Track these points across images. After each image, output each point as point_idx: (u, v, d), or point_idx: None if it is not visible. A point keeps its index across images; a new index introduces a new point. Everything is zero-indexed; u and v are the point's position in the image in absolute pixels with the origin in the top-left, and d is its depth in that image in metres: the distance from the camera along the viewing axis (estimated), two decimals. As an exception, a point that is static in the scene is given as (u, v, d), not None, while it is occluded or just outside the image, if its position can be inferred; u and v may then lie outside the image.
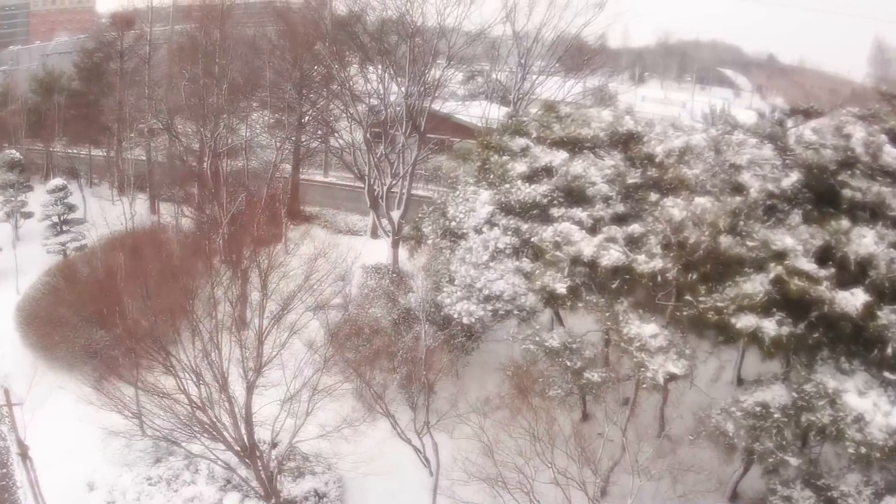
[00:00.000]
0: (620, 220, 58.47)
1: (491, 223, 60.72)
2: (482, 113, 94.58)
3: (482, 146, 66.91)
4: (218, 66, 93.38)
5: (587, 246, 52.89)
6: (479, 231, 60.56)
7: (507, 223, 60.24)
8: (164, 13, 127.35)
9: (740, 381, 63.19)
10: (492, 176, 63.79)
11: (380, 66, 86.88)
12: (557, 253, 53.85)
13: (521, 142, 64.88)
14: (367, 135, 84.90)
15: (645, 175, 60.47)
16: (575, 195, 59.60)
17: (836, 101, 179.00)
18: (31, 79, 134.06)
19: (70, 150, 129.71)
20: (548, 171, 61.11)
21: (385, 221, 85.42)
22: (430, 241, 66.52)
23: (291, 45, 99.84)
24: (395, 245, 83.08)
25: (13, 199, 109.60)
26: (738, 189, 57.02)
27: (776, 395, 49.54)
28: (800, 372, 50.34)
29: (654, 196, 57.13)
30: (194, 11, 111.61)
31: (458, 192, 64.72)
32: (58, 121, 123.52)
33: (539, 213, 59.98)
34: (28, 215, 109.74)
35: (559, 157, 61.11)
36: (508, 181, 61.35)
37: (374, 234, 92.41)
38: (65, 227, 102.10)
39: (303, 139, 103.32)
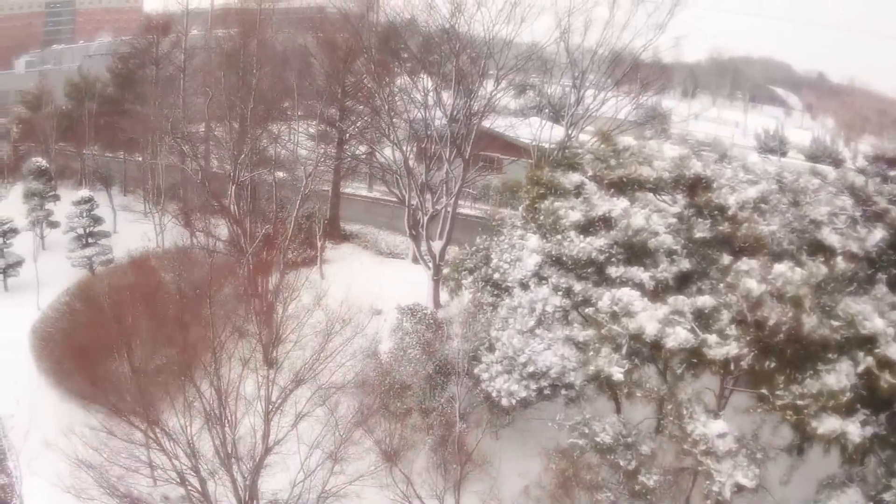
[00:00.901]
0: (685, 279, 51.28)
1: (539, 276, 52.85)
2: (533, 133, 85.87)
3: (531, 182, 58.45)
4: (254, 77, 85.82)
5: (650, 322, 44.62)
6: (525, 286, 52.72)
7: (558, 281, 52.06)
8: (201, 17, 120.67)
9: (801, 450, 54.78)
10: (542, 217, 55.31)
11: (425, 78, 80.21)
12: (615, 327, 45.55)
13: (574, 178, 56.54)
14: (408, 160, 76.87)
15: (715, 229, 52.19)
16: (636, 250, 51.24)
17: (886, 121, 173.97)
18: (66, 82, 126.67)
19: (104, 155, 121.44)
20: (605, 222, 52.41)
21: (423, 246, 77.04)
22: (469, 294, 58.78)
23: (331, 61, 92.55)
24: (435, 283, 75.10)
25: (39, 207, 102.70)
26: (818, 247, 50.48)
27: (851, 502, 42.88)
28: (877, 473, 44.23)
29: (726, 258, 49.16)
30: (230, 17, 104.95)
31: (503, 238, 56.90)
32: (89, 128, 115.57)
33: (595, 270, 51.72)
34: (54, 225, 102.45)
35: (619, 205, 52.36)
36: (560, 230, 52.73)
37: (416, 259, 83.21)
38: (90, 240, 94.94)
39: (344, 155, 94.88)
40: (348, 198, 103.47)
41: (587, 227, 52.61)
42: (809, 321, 42.83)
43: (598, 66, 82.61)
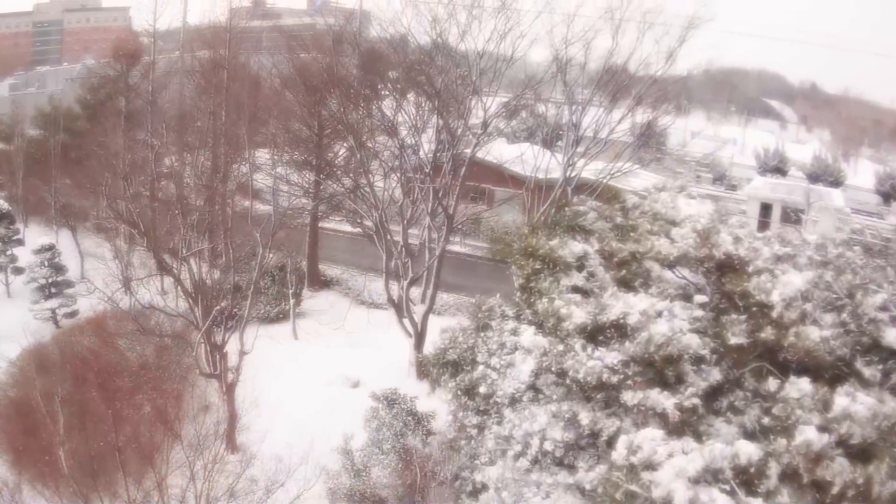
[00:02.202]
0: (715, 392, 38.01)
1: (535, 390, 39.99)
2: (526, 166, 74.84)
3: (525, 255, 45.75)
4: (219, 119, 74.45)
5: (678, 482, 31.52)
6: (517, 401, 40.06)
7: (559, 407, 38.70)
8: (175, 40, 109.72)
9: None
10: (537, 302, 42.49)
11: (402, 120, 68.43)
12: (633, 487, 32.59)
13: (576, 249, 44.03)
14: (383, 219, 65.14)
15: (753, 333, 39.01)
16: (657, 366, 37.94)
17: (883, 132, 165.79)
18: (37, 111, 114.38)
19: (78, 189, 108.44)
20: (619, 329, 38.78)
21: (404, 304, 65.96)
22: (450, 407, 46.51)
23: (304, 93, 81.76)
24: (418, 353, 64.01)
25: (1, 253, 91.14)
26: (875, 348, 38.14)
27: None
28: None
29: (773, 382, 36.44)
30: (201, 40, 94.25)
31: (491, 334, 44.42)
32: (55, 162, 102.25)
33: (606, 394, 38.53)
34: (20, 271, 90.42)
35: (636, 306, 38.54)
36: (562, 335, 39.56)
37: (402, 314, 69.93)
38: (53, 290, 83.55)
39: (322, 196, 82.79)
40: (330, 234, 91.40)
41: (595, 334, 39.30)
42: (881, 479, 31.37)
43: (601, 102, 72.26)
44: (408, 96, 70.66)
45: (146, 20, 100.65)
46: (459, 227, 77.56)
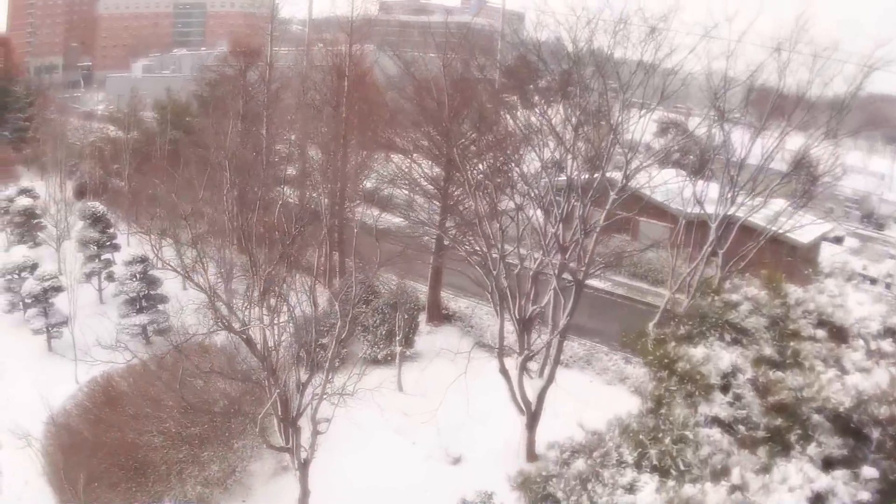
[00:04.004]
0: None
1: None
2: (673, 194, 64.87)
3: (657, 361, 33.95)
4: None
5: None
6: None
7: None
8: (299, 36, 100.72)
9: None
10: (666, 444, 30.67)
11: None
12: None
13: (723, 363, 31.93)
14: (503, 284, 52.95)
15: None
16: None
17: None
18: (155, 103, 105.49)
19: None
20: None
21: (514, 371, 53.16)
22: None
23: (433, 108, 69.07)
24: (530, 431, 52.43)
25: (95, 258, 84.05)
26: None
27: None
28: None
29: None
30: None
31: (601, 488, 32.27)
32: (160, 163, 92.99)
33: None
34: (112, 277, 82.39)
35: None
36: None
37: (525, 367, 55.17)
38: (144, 304, 74.87)
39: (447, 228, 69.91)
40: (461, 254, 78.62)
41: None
42: None
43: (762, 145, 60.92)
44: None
45: (287, 11, 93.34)
46: (598, 259, 65.51)
